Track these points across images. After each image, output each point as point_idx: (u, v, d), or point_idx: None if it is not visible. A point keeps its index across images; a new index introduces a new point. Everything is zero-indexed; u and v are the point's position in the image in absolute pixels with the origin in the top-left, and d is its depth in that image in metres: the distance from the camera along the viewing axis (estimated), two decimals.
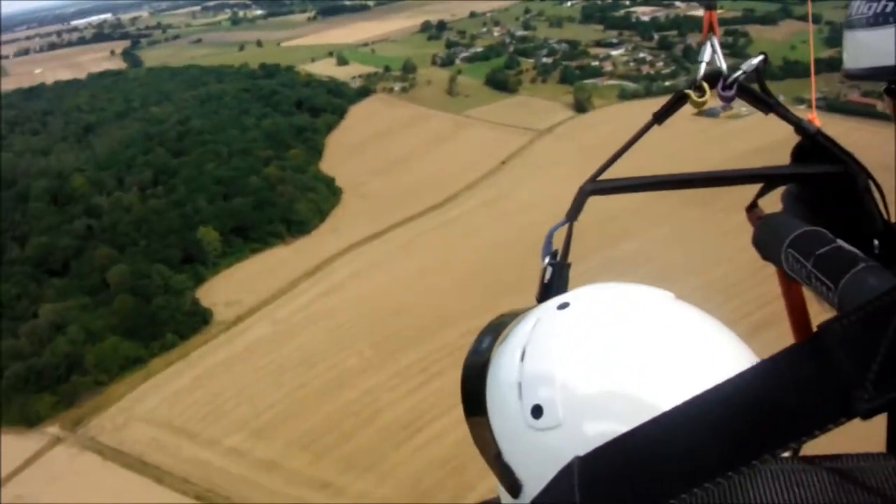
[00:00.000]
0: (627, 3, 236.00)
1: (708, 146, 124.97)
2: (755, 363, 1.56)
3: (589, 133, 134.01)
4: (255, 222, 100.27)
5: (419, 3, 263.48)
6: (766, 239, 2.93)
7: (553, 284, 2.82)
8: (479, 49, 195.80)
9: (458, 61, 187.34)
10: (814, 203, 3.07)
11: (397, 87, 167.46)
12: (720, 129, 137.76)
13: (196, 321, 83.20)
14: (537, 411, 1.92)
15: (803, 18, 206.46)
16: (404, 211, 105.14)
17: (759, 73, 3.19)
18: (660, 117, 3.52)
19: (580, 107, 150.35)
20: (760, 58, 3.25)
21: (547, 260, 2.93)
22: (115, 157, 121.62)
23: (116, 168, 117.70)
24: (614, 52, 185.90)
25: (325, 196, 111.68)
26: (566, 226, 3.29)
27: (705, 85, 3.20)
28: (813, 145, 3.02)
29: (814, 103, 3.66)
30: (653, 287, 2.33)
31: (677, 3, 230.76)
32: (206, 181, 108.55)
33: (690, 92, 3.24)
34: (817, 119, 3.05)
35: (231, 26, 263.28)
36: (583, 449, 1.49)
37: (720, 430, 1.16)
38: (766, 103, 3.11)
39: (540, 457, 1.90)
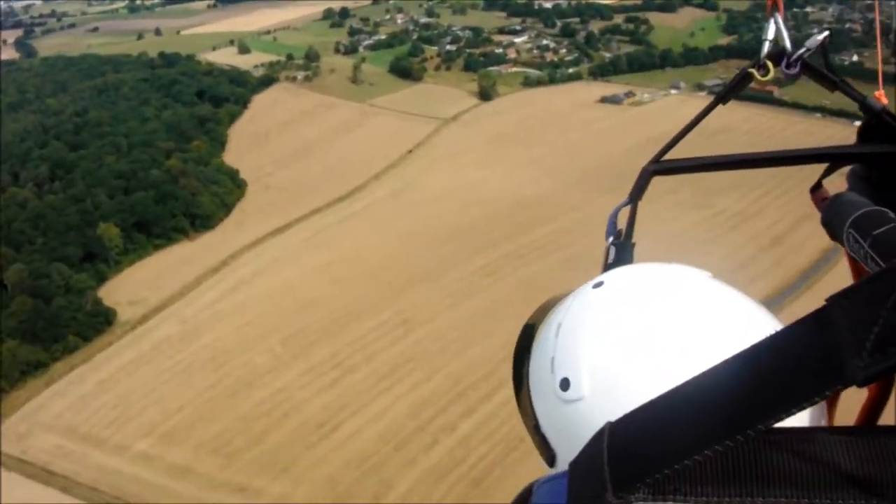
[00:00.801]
0: None
1: (614, 132, 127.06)
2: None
3: (494, 120, 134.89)
4: (158, 217, 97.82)
5: None
6: (832, 219, 2.78)
7: (617, 264, 2.71)
8: (383, 37, 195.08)
9: (361, 49, 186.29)
10: (879, 183, 2.92)
11: (300, 75, 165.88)
12: (624, 115, 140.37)
13: (99, 322, 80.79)
14: (565, 384, 1.99)
15: (701, 6, 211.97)
16: (310, 203, 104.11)
17: (825, 49, 2.97)
18: (723, 97, 3.21)
19: (485, 94, 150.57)
20: (825, 34, 2.99)
21: (611, 240, 2.92)
22: (9, 151, 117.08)
23: (11, 163, 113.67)
24: (518, 40, 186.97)
25: (230, 189, 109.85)
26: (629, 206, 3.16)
27: (769, 63, 2.98)
28: (879, 123, 2.85)
29: (881, 80, 3.40)
30: (689, 266, 2.27)
31: None
32: (106, 175, 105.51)
33: (754, 70, 2.99)
34: (884, 97, 2.87)
35: (129, 14, 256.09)
36: (606, 420, 1.54)
37: (727, 398, 1.23)
38: (831, 81, 2.91)
39: (569, 428, 1.98)
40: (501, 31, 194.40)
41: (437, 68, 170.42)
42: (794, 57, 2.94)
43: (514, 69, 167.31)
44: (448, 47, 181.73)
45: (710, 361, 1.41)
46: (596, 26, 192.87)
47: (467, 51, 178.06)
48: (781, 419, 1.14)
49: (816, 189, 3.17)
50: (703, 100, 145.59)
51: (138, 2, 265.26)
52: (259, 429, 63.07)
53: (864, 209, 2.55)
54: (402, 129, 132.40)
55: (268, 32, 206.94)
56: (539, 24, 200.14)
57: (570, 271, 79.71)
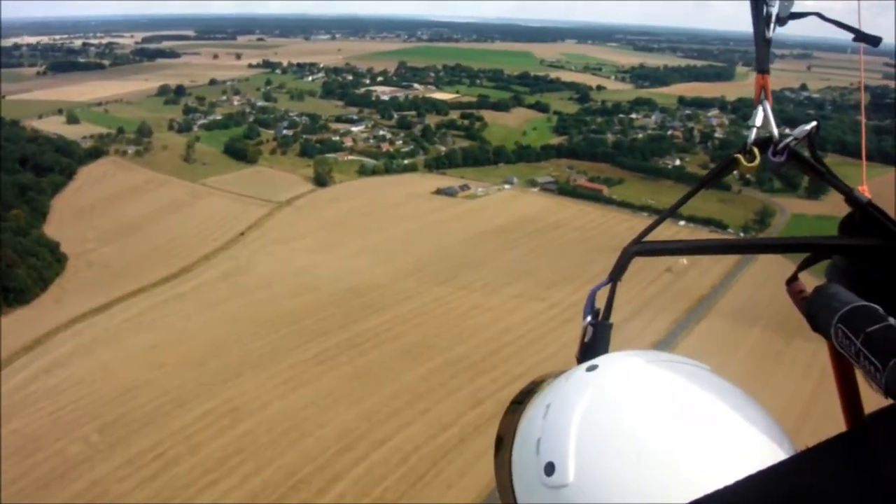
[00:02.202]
0: (367, 81, 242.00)
1: (449, 223, 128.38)
2: (788, 449, 1.84)
3: (329, 207, 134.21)
4: None
5: (158, 66, 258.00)
6: (818, 312, 2.66)
7: (594, 344, 2.74)
8: (219, 117, 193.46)
9: (195, 128, 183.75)
10: (861, 277, 2.84)
11: (131, 150, 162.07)
12: (459, 207, 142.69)
13: None
14: (550, 468, 1.95)
15: (532, 107, 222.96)
16: (135, 281, 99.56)
17: (812, 139, 2.93)
18: (707, 181, 3.21)
19: (320, 180, 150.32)
20: (813, 124, 2.91)
21: (588, 319, 2.82)
22: None
23: None
24: (355, 129, 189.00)
25: (49, 262, 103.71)
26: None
27: (755, 150, 2.95)
28: (863, 217, 2.85)
29: (864, 175, 3.27)
30: (688, 358, 2.31)
31: (416, 86, 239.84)
32: None
33: (740, 156, 2.95)
34: (868, 191, 2.85)
35: None
36: None
37: None
38: (816, 171, 2.91)
39: None
40: (339, 120, 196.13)
41: (273, 152, 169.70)
42: (782, 145, 2.88)
43: (351, 157, 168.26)
44: (285, 131, 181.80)
45: (705, 464, 1.57)
46: (432, 120, 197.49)
47: (304, 136, 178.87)
48: None
49: (792, 281, 2.97)
50: (535, 195, 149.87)
51: None
52: None
53: (854, 304, 2.46)
54: (235, 211, 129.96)
55: (99, 104, 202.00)
56: (376, 115, 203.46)
57: (407, 362, 78.73)
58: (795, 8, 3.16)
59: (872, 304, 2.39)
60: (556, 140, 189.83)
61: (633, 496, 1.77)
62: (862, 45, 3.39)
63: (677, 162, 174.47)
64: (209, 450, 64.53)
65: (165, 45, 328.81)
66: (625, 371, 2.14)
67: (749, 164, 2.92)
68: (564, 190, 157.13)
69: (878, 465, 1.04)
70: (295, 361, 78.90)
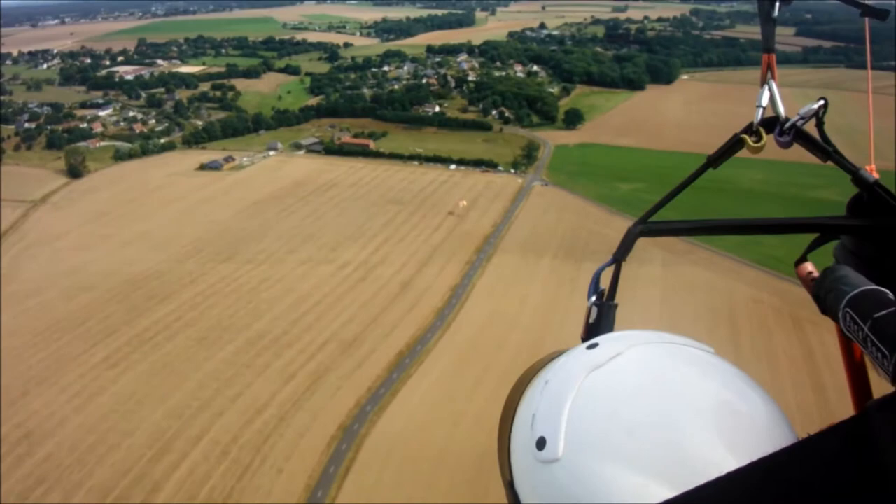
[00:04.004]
0: (108, 63, 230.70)
1: (219, 198, 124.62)
2: (787, 435, 1.90)
3: (89, 198, 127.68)
4: None
5: None
6: (825, 294, 2.69)
7: (599, 324, 2.78)
8: None
9: None
10: (869, 258, 2.87)
11: None
12: (226, 180, 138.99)
13: None
14: (541, 443, 1.96)
15: (283, 71, 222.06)
16: None
17: (819, 118, 2.94)
18: (714, 160, 3.20)
19: (74, 171, 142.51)
20: (820, 102, 2.93)
21: (593, 299, 2.85)
22: None
23: None
24: (102, 113, 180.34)
25: None
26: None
27: (762, 130, 3.00)
28: (871, 197, 2.84)
29: (872, 152, 3.37)
30: (693, 340, 2.30)
31: (159, 62, 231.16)
32: None
33: (746, 136, 2.99)
34: (875, 171, 2.85)
35: None
36: (579, 487, 1.71)
37: None
38: (823, 150, 2.91)
39: (540, 489, 1.95)
40: (84, 106, 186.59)
41: (17, 148, 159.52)
42: (788, 125, 2.92)
43: (103, 143, 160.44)
44: (27, 125, 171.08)
45: (699, 445, 1.62)
46: (183, 95, 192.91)
47: (48, 127, 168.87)
48: None
49: (801, 262, 3.03)
50: (302, 158, 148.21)
51: None
52: None
53: (862, 288, 2.49)
54: None
55: None
56: (123, 97, 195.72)
57: (205, 348, 75.84)
58: None
59: (881, 288, 2.40)
60: (313, 101, 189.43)
61: (623, 474, 1.76)
62: (868, 20, 3.28)
63: (437, 108, 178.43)
64: (7, 486, 58.91)
65: None
66: (624, 350, 2.13)
67: (755, 144, 2.93)
68: (331, 149, 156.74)
69: (880, 456, 1.05)
70: (84, 369, 73.97)
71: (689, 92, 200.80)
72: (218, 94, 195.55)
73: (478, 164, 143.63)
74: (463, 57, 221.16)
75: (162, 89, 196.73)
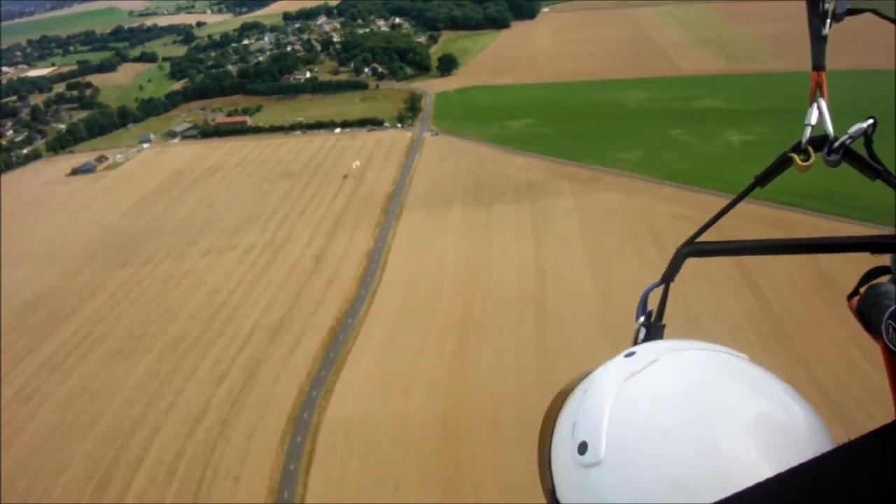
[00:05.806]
0: None
1: (99, 201, 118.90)
2: (825, 441, 1.90)
3: None
4: None
5: None
6: (868, 309, 2.73)
7: None
8: None
9: None
10: None
11: None
12: (103, 181, 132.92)
13: None
14: (583, 447, 2.00)
15: (139, 60, 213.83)
16: None
17: (868, 137, 2.91)
18: (762, 179, 3.21)
19: None
20: (869, 122, 2.90)
21: (641, 320, 2.91)
22: None
23: None
24: None
25: None
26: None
27: (810, 149, 3.00)
28: None
29: None
30: (727, 348, 2.32)
31: (5, 69, 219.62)
32: None
33: (795, 155, 3.01)
34: None
35: None
36: (621, 489, 1.79)
37: None
38: (873, 169, 2.90)
39: (583, 494, 1.99)
40: None
41: None
42: (837, 144, 2.89)
43: None
44: None
45: (734, 449, 1.67)
46: (37, 100, 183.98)
47: None
48: None
49: (854, 296, 2.95)
50: (178, 146, 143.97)
51: None
52: None
53: None
54: None
55: None
56: None
57: (123, 361, 71.75)
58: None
59: None
60: (177, 86, 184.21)
61: (662, 475, 1.80)
62: None
63: (307, 74, 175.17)
64: None
65: None
66: (661, 357, 2.14)
67: (804, 164, 2.90)
68: (207, 132, 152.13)
69: None
70: None
71: (554, 23, 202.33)
72: (75, 93, 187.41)
73: (362, 123, 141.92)
74: (323, 19, 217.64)
75: (14, 97, 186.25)
